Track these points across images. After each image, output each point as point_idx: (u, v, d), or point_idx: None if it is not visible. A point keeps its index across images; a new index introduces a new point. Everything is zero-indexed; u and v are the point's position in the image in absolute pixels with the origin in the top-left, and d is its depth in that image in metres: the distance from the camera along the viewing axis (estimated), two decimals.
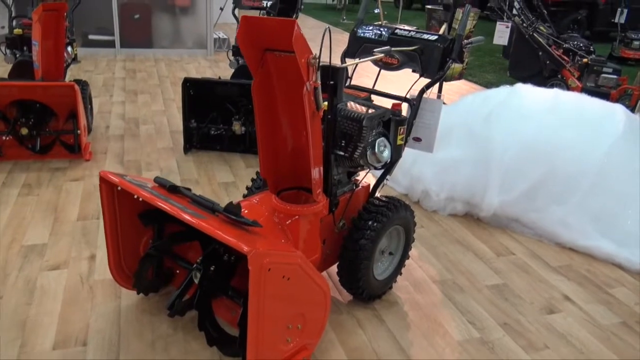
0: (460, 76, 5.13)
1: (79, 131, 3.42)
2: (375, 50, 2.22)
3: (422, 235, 2.86)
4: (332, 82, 1.85)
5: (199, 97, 3.71)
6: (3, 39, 3.69)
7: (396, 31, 2.42)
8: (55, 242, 2.57)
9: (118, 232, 2.07)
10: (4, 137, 3.40)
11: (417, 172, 3.20)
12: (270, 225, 1.97)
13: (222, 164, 3.65)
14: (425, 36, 2.33)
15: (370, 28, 2.49)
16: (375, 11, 14.17)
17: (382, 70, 2.46)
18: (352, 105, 2.06)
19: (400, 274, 2.38)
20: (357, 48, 2.50)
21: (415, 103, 2.31)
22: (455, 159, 3.10)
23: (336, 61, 1.99)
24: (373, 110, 2.03)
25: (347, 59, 2.54)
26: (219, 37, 7.60)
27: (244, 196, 2.37)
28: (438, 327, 2.16)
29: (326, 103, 1.92)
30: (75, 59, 3.91)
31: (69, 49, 3.78)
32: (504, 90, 3.44)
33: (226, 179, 3.42)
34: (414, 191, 3.21)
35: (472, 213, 3.10)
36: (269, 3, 4.18)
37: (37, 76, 3.42)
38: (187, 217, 1.63)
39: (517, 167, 2.97)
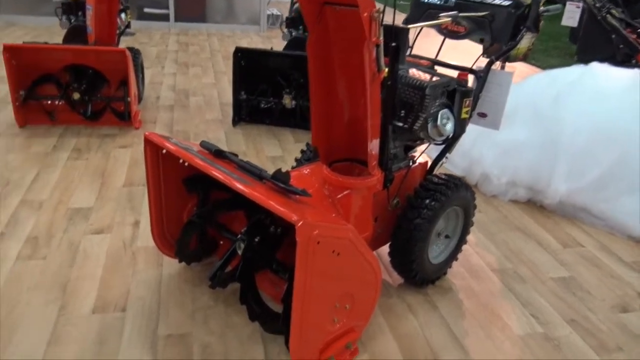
0: (524, 57, 4.83)
1: (129, 99, 3.38)
2: (441, 15, 2.03)
3: (480, 220, 2.67)
4: (394, 44, 1.69)
5: (250, 68, 3.60)
6: (59, 4, 3.68)
7: None
8: (100, 206, 2.53)
9: (162, 197, 1.99)
10: (56, 102, 3.41)
11: (476, 153, 2.99)
12: (320, 197, 1.84)
13: (271, 138, 3.54)
14: (497, 1, 2.12)
15: None
16: None
17: (447, 40, 2.28)
18: (414, 72, 1.89)
19: (456, 259, 2.21)
20: (421, 14, 2.31)
21: (482, 75, 2.12)
22: (519, 141, 2.87)
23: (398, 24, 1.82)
24: (437, 79, 1.85)
25: (413, 25, 2.37)
26: (272, 14, 7.49)
27: (293, 168, 2.25)
28: (496, 318, 1.98)
29: (386, 69, 1.76)
30: (128, 26, 3.88)
31: (123, 15, 3.74)
32: (576, 70, 3.16)
33: (274, 153, 3.31)
34: (473, 174, 3.01)
35: (535, 200, 2.87)
36: None
37: (90, 41, 3.39)
38: (233, 183, 1.52)
39: (588, 152, 2.72)
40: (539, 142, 2.82)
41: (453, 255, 2.18)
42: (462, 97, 1.96)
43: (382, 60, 1.50)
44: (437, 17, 2.10)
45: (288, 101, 3.59)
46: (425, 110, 1.81)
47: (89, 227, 2.36)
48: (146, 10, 6.95)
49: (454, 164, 3.18)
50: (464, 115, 2.00)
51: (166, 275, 2.07)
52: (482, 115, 2.21)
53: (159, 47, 5.91)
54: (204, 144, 1.86)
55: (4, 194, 2.57)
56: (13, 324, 1.76)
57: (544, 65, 6.41)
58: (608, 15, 5.47)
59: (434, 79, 1.84)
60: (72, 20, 3.64)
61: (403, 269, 2.04)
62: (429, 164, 2.19)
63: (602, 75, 3.02)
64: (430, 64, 2.09)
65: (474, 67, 2.16)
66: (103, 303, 1.89)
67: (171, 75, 4.83)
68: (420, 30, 2.32)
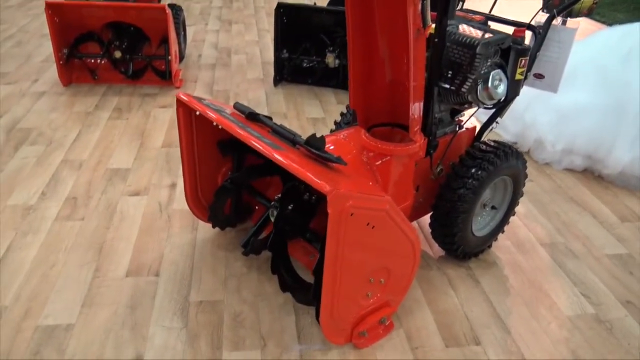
0: (589, 12, 4.43)
1: (169, 57, 3.33)
2: None
3: (531, 190, 2.50)
4: None
5: (292, 25, 3.46)
6: None
7: None
8: (138, 167, 2.52)
9: (195, 159, 1.93)
10: (99, 60, 3.40)
11: (530, 118, 2.79)
12: (358, 164, 1.74)
13: (313, 99, 3.43)
14: None
15: None
16: None
17: None
18: (464, 28, 1.72)
19: (503, 231, 2.08)
20: None
21: (541, 32, 1.92)
22: (579, 105, 2.65)
23: None
24: (490, 35, 1.68)
25: None
26: None
27: (331, 131, 2.14)
28: (543, 296, 1.86)
29: (433, 25, 1.60)
30: None
31: None
32: None
33: (315, 114, 3.20)
34: (525, 140, 2.81)
35: (592, 169, 2.66)
36: None
37: None
38: (262, 148, 1.44)
39: None
40: (602, 106, 2.59)
41: (499, 228, 2.04)
42: (518, 56, 1.78)
43: (429, 14, 1.35)
44: None
45: (331, 60, 3.44)
46: (475, 70, 1.65)
47: (126, 188, 2.35)
48: None
49: (505, 129, 2.98)
50: (518, 77, 1.82)
51: (200, 240, 2.04)
52: (539, 76, 2.02)
53: (203, 3, 5.80)
54: (237, 106, 1.77)
55: (46, 153, 2.59)
56: (50, 285, 1.77)
57: (610, 21, 5.93)
58: None
59: (487, 35, 1.67)
60: None
61: (444, 242, 1.93)
62: (478, 129, 2.04)
63: None
64: (484, 19, 1.91)
65: (532, 23, 1.96)
66: (137, 266, 1.88)
67: (214, 32, 4.74)
68: None
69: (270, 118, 1.71)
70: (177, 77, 3.45)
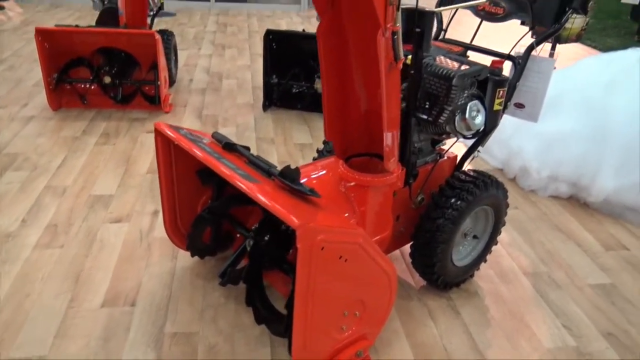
0: (577, 38, 4.48)
1: (159, 82, 3.34)
2: None
3: (515, 217, 2.49)
4: (418, 29, 1.54)
5: (281, 51, 3.49)
6: None
7: None
8: (122, 193, 2.51)
9: (175, 188, 1.93)
10: (88, 85, 3.41)
11: (516, 144, 2.79)
12: (335, 195, 1.73)
13: (301, 124, 3.44)
14: None
15: None
16: None
17: (485, 22, 2.10)
18: (441, 59, 1.73)
19: (485, 261, 2.06)
20: None
21: (520, 62, 1.94)
22: (564, 132, 2.65)
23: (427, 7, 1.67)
24: (466, 67, 1.69)
25: (446, 6, 2.20)
26: None
27: (314, 159, 2.14)
28: (524, 327, 1.83)
29: (410, 56, 1.61)
30: (161, 8, 3.83)
31: None
32: (633, 53, 2.88)
33: (303, 140, 3.20)
34: (511, 167, 2.82)
35: (577, 196, 2.66)
36: None
37: (121, 23, 3.36)
38: (235, 180, 1.43)
39: None
40: (587, 133, 2.60)
41: (481, 258, 2.03)
42: (495, 87, 1.79)
43: (400, 48, 1.36)
44: None
45: (320, 86, 3.45)
46: (451, 102, 1.66)
47: (108, 215, 2.34)
48: None
49: (492, 155, 2.99)
50: (496, 107, 1.83)
51: (180, 269, 2.02)
52: (520, 106, 2.03)
53: (198, 27, 5.87)
54: (215, 136, 1.77)
55: (30, 179, 2.59)
56: (23, 315, 1.75)
57: (601, 46, 6.00)
58: None
59: (463, 67, 1.68)
60: (106, 2, 3.62)
61: (424, 272, 1.91)
62: (459, 158, 2.04)
63: None
64: (463, 50, 1.92)
65: (512, 53, 1.98)
66: (113, 296, 1.86)
67: (207, 57, 4.78)
68: (455, 12, 2.16)
69: (248, 148, 1.71)
70: (166, 102, 3.47)
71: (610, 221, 2.52)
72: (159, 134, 1.80)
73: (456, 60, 1.73)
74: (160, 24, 5.86)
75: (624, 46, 5.99)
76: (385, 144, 1.52)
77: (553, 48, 4.35)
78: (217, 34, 5.62)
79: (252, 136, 3.22)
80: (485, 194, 1.87)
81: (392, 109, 1.47)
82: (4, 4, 6.26)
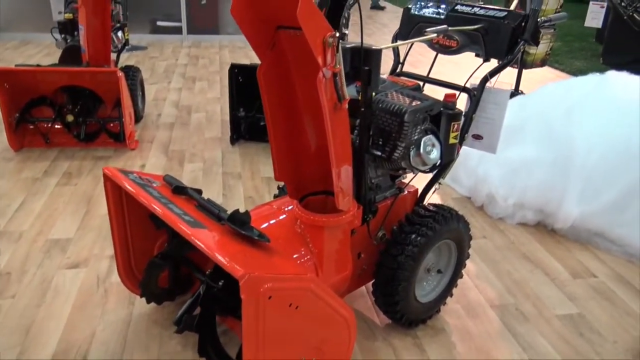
0: (542, 63, 4.56)
1: (123, 119, 3.30)
2: (427, 30, 1.86)
3: (483, 247, 2.46)
4: (366, 68, 1.52)
5: (247, 84, 3.47)
6: (55, 24, 3.64)
7: (457, 7, 2.04)
8: (80, 236, 2.43)
9: (128, 232, 1.87)
10: (50, 124, 3.35)
11: (482, 172, 2.79)
12: (290, 236, 1.69)
13: (268, 157, 3.40)
14: (491, 13, 1.94)
15: (427, 4, 2.12)
16: None
17: (444, 55, 2.11)
18: (393, 95, 1.72)
19: (451, 295, 2.02)
20: (411, 29, 2.15)
21: (475, 94, 1.94)
22: (528, 159, 2.66)
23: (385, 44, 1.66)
24: (418, 103, 1.67)
25: (399, 42, 2.20)
26: None
27: (275, 196, 2.10)
28: None
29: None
30: (126, 44, 3.81)
31: (119, 34, 3.67)
32: (592, 79, 2.92)
33: (270, 174, 3.15)
34: (478, 194, 2.80)
35: (545, 223, 2.65)
36: None
37: (84, 61, 3.33)
38: (179, 226, 1.38)
39: (604, 171, 2.49)
40: (550, 160, 2.60)
41: (446, 292, 1.99)
42: (449, 120, 1.78)
43: (344, 88, 1.34)
44: (424, 30, 1.93)
45: None
46: (404, 138, 1.64)
47: (64, 260, 2.26)
48: (159, 23, 6.93)
49: (460, 183, 2.98)
50: (452, 141, 1.82)
51: (136, 315, 1.95)
52: (478, 137, 2.03)
53: (169, 60, 5.85)
54: (167, 179, 1.73)
55: None
56: None
57: (569, 69, 6.11)
58: (635, 14, 5.16)
59: (414, 103, 1.67)
60: (69, 40, 3.59)
61: (387, 310, 1.87)
62: (420, 191, 2.02)
63: (619, 86, 2.77)
64: (416, 84, 1.91)
65: (468, 85, 1.98)
66: (65, 347, 1.78)
67: (176, 90, 4.75)
68: (411, 46, 2.16)
69: (200, 192, 1.67)
70: (131, 138, 3.41)
71: (578, 247, 2.51)
72: (107, 179, 1.75)
73: (408, 95, 1.72)
74: (131, 58, 5.86)
75: (590, 68, 6.13)
76: (336, 184, 1.48)
77: (518, 79, 4.41)
78: (189, 67, 5.60)
79: (219, 171, 3.18)
80: (445, 228, 1.84)
81: (340, 148, 1.44)
82: None
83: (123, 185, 1.62)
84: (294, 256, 1.61)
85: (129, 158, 3.31)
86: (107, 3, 3.26)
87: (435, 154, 1.74)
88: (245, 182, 3.06)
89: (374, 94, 1.62)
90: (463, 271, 2.03)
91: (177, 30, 6.94)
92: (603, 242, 2.49)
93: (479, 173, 2.80)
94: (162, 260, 1.78)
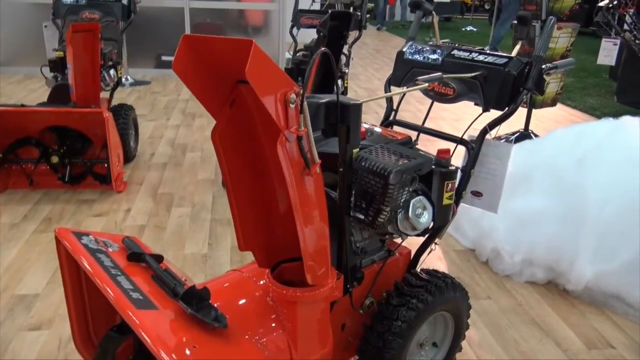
0: (553, 102, 4.37)
1: (110, 161, 3.15)
2: (419, 78, 1.68)
3: (487, 309, 2.24)
4: (343, 125, 1.35)
5: None
6: (46, 63, 3.54)
7: (453, 52, 1.87)
8: (49, 292, 2.26)
9: (85, 296, 1.68)
10: (34, 166, 3.21)
11: (487, 223, 2.57)
12: (261, 309, 1.49)
13: None
14: (491, 59, 1.77)
15: (422, 48, 1.96)
16: (466, 29, 13.15)
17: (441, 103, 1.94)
18: (378, 152, 1.53)
19: None
20: (405, 73, 1.99)
21: (474, 147, 1.75)
22: (536, 212, 2.44)
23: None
24: (405, 161, 1.48)
25: (392, 88, 2.04)
26: (290, 58, 7.30)
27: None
28: None
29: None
30: (119, 83, 3.69)
31: (112, 72, 3.57)
32: (605, 125, 2.72)
33: None
34: (483, 248, 2.59)
35: (556, 282, 2.41)
36: None
37: (72, 100, 3.20)
38: (120, 305, 1.20)
39: (620, 227, 2.26)
40: (560, 213, 2.38)
41: None
42: (443, 180, 1.59)
43: (314, 152, 1.16)
44: (416, 79, 1.76)
45: None
46: (390, 201, 1.45)
47: (28, 320, 2.08)
48: (164, 58, 6.89)
49: (463, 234, 2.77)
50: (446, 202, 1.62)
51: None
52: (477, 194, 1.83)
53: (171, 96, 5.77)
54: (126, 242, 1.55)
55: None
56: None
57: (581, 106, 5.91)
58: None
59: (401, 161, 1.48)
60: (59, 79, 3.48)
61: None
62: (413, 253, 1.82)
63: (635, 133, 2.56)
64: (407, 137, 1.73)
65: (466, 136, 1.80)
66: None
67: (174, 127, 4.63)
68: (404, 94, 2.00)
69: (160, 258, 1.48)
70: (118, 180, 3.26)
71: (593, 312, 2.26)
72: (59, 241, 1.57)
73: (395, 152, 1.54)
74: (133, 93, 5.79)
75: (604, 105, 5.92)
76: (305, 260, 1.29)
77: (527, 120, 4.21)
78: (190, 102, 5.50)
79: (207, 217, 3.00)
80: (439, 299, 1.63)
81: (309, 219, 1.26)
82: None
83: (71, 251, 1.45)
84: (260, 336, 1.41)
85: (114, 201, 3.15)
86: (96, 41, 3.15)
87: (426, 218, 1.55)
88: (234, 230, 2.86)
89: (354, 151, 1.44)
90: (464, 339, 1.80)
91: None
92: (620, 306, 2.25)
93: (484, 225, 2.59)
94: (119, 334, 1.58)
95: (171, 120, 4.84)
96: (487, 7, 16.11)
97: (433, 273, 1.69)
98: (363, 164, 1.48)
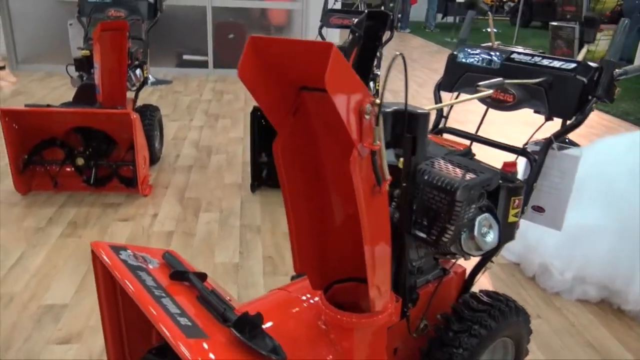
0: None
1: (136, 164, 3.06)
2: (480, 84, 1.55)
3: (538, 329, 2.10)
4: (410, 135, 1.23)
5: (270, 128, 3.21)
6: (71, 62, 3.46)
7: (512, 56, 1.75)
8: (77, 302, 2.16)
9: (121, 316, 1.58)
10: (59, 167, 3.13)
11: (534, 238, 2.43)
12: (312, 333, 1.37)
13: None
14: (556, 63, 1.64)
15: (476, 51, 1.84)
16: (487, 30, 12.95)
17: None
18: (441, 165, 1.41)
19: None
20: (457, 78, 1.86)
21: (537, 158, 1.62)
22: (589, 226, 2.30)
23: (421, 101, 1.37)
24: (472, 176, 1.36)
25: (442, 93, 1.91)
26: None
27: (292, 278, 1.80)
28: None
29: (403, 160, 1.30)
30: (145, 83, 3.60)
31: (138, 71, 3.48)
32: None
33: None
34: (529, 263, 2.45)
35: (610, 301, 2.27)
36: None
37: (98, 100, 3.11)
38: (173, 337, 1.09)
39: None
40: (615, 228, 2.24)
41: None
42: (509, 195, 1.46)
43: (385, 169, 1.04)
44: (477, 84, 1.63)
45: None
46: (456, 219, 1.32)
47: (56, 332, 1.98)
48: (185, 57, 6.82)
49: (507, 247, 2.61)
50: (512, 219, 1.50)
51: None
52: (539, 209, 1.71)
53: (193, 96, 5.68)
54: (167, 258, 1.45)
55: None
56: None
57: (614, 111, 5.72)
58: None
59: (468, 176, 1.35)
60: (85, 78, 3.40)
61: None
62: (468, 272, 1.69)
63: None
64: (467, 148, 1.60)
65: (527, 147, 1.67)
66: None
67: (198, 129, 4.54)
68: (457, 96, 1.87)
69: (204, 276, 1.38)
70: (144, 184, 3.17)
71: None
72: (97, 257, 1.47)
73: (460, 165, 1.41)
74: (155, 92, 5.71)
75: (637, 111, 5.72)
76: (371, 284, 1.17)
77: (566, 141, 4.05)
78: (212, 103, 5.41)
79: (236, 224, 2.89)
80: (503, 324, 1.50)
81: (377, 239, 1.14)
82: None
83: (111, 269, 1.34)
84: None
85: (140, 205, 3.06)
86: (124, 40, 3.07)
87: (492, 237, 1.42)
88: (264, 237, 2.76)
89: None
90: None
91: (203, 65, 6.81)
92: None
93: (530, 238, 2.45)
94: (157, 357, 1.48)
95: (194, 121, 4.75)
96: (506, 8, 15.89)
97: (494, 295, 1.57)
98: (426, 177, 1.35)
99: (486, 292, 1.59)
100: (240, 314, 1.17)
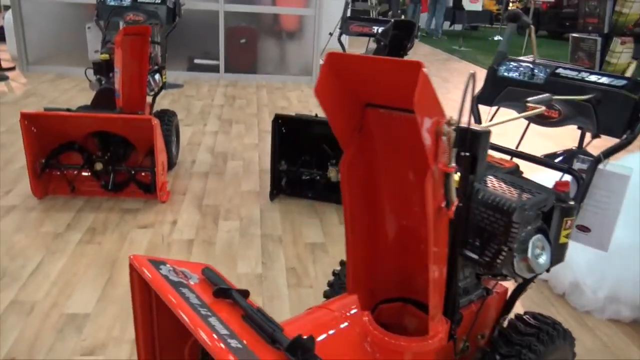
0: None
1: (155, 169, 3.02)
2: (529, 100, 1.51)
3: None
4: (468, 154, 1.19)
5: (291, 136, 3.19)
6: (90, 66, 3.42)
7: (558, 71, 1.71)
8: (100, 312, 2.11)
9: (155, 330, 1.53)
10: (76, 172, 3.09)
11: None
12: (356, 354, 1.33)
13: (313, 217, 3.07)
14: (606, 79, 1.60)
15: (518, 65, 1.80)
16: (493, 38, 12.95)
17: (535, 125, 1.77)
18: (494, 183, 1.37)
19: None
20: (498, 92, 1.82)
21: (584, 177, 1.58)
22: (623, 244, 2.23)
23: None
24: (528, 196, 1.32)
25: (503, 118, 1.87)
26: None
27: (325, 295, 1.75)
28: None
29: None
30: (163, 87, 3.57)
31: (157, 76, 3.44)
32: None
33: (315, 238, 2.82)
34: (559, 280, 2.40)
35: None
36: (381, 29, 3.55)
37: (117, 105, 3.08)
38: (219, 354, 1.04)
39: None
40: None
41: None
42: (562, 216, 1.42)
43: (453, 192, 1.00)
44: (520, 98, 1.59)
45: (334, 174, 3.13)
46: (512, 241, 1.28)
47: (79, 344, 1.94)
48: (196, 61, 6.78)
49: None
50: (563, 240, 1.46)
51: None
52: (584, 229, 1.66)
53: (205, 100, 5.64)
54: (206, 273, 1.40)
55: None
56: None
57: None
58: None
59: (525, 196, 1.31)
60: (103, 82, 3.36)
61: None
62: (509, 293, 1.64)
63: None
64: (515, 166, 1.56)
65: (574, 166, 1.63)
66: None
67: (212, 134, 4.50)
68: (497, 110, 1.83)
69: (246, 293, 1.33)
70: (163, 190, 3.13)
71: None
72: (134, 270, 1.42)
73: (514, 184, 1.37)
74: (166, 96, 5.67)
75: None
76: (432, 307, 1.13)
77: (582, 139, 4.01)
78: (225, 108, 5.38)
79: (256, 233, 2.85)
80: (550, 348, 1.46)
81: (440, 261, 1.09)
82: (9, 73, 6.12)
83: (153, 285, 1.30)
84: None
85: (159, 212, 3.01)
86: (145, 45, 3.03)
87: (544, 259, 1.38)
88: (286, 248, 2.71)
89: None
90: None
91: (214, 69, 6.77)
92: None
93: None
94: None
95: (208, 127, 4.71)
96: None
97: (541, 318, 1.52)
98: (480, 196, 1.31)
99: (532, 315, 1.54)
100: (293, 338, 1.12)
